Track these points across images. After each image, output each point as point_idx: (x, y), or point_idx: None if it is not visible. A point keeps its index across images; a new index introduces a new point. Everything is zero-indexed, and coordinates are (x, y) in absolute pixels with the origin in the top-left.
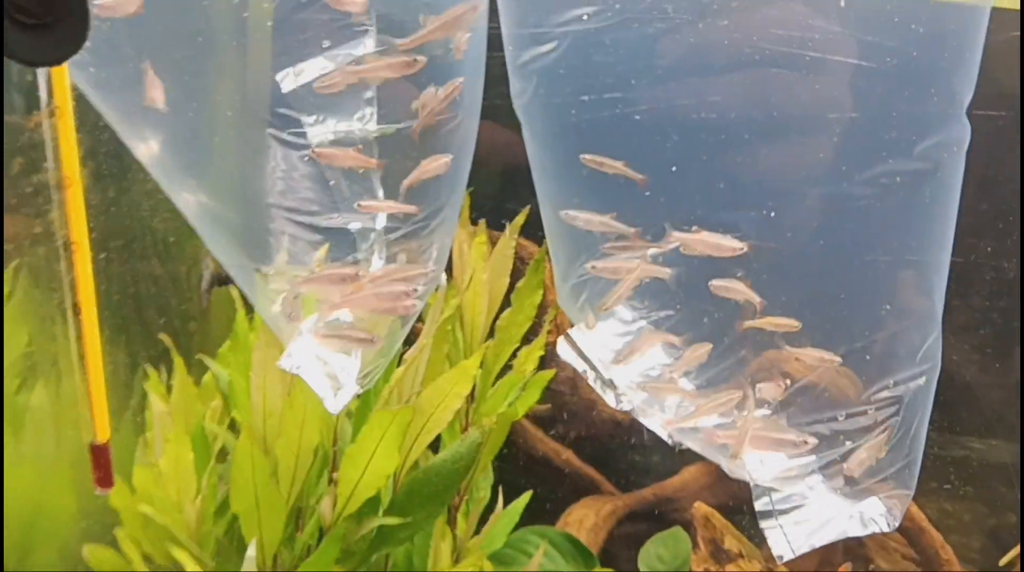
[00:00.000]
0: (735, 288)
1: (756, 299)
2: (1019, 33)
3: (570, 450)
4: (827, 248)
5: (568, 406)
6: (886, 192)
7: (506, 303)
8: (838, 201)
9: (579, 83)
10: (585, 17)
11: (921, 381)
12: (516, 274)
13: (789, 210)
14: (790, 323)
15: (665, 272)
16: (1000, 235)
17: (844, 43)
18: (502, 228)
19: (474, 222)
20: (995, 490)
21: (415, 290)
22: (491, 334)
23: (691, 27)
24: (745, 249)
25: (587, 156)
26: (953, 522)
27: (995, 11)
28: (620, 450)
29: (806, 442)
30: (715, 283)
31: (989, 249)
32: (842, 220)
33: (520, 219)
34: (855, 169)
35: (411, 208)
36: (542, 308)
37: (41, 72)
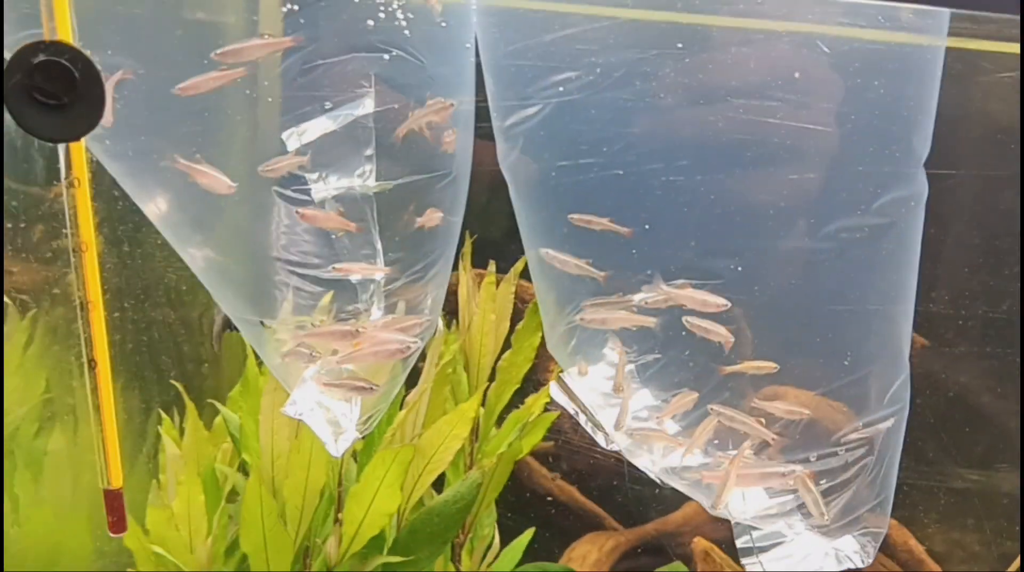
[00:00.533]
0: (708, 326)
1: (726, 335)
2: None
3: (573, 486)
4: (792, 299)
5: (571, 443)
6: (847, 246)
7: (506, 345)
8: (801, 255)
9: (559, 146)
10: (561, 89)
11: (890, 422)
12: (516, 315)
13: (755, 264)
14: (768, 366)
15: (650, 321)
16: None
17: (806, 108)
18: (506, 272)
19: (483, 266)
20: (1000, 520)
21: (411, 344)
22: (492, 376)
23: (660, 97)
24: (728, 306)
25: (575, 216)
26: (961, 552)
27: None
28: (622, 486)
29: (793, 472)
30: (689, 320)
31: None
32: (806, 272)
33: (520, 265)
34: (818, 225)
35: (382, 270)
36: (542, 349)
37: (60, 147)
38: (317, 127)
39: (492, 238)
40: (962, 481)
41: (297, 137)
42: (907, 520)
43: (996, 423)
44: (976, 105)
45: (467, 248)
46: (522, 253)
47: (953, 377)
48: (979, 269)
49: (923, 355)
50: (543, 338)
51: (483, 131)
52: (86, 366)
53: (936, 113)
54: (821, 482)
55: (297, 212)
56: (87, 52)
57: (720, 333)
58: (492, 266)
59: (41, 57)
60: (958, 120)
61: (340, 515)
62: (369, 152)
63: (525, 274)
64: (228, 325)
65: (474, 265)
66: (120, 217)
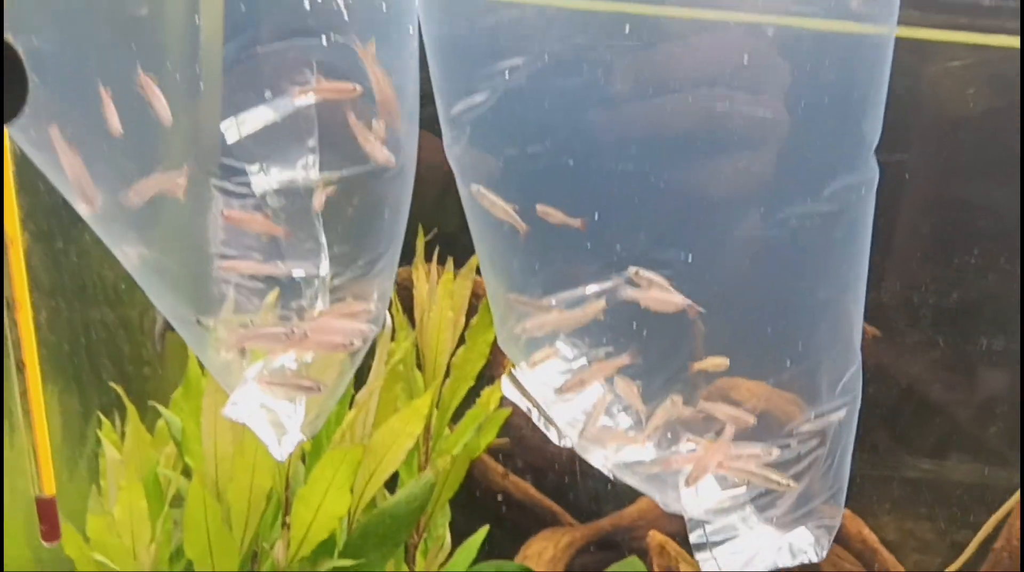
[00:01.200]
0: (659, 296)
1: (682, 302)
2: None
3: (527, 482)
4: (743, 288)
5: (526, 439)
6: (797, 234)
7: (461, 341)
8: (751, 243)
9: (506, 136)
10: (508, 76)
11: (842, 413)
12: (471, 311)
13: (705, 253)
14: (722, 362)
15: (598, 308)
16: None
17: (754, 95)
18: (461, 265)
19: (442, 261)
20: (953, 509)
21: (361, 332)
22: (447, 373)
23: (609, 86)
24: (689, 304)
25: (541, 207)
26: (914, 541)
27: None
28: (578, 481)
29: (771, 453)
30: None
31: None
32: (755, 261)
33: (475, 260)
34: (768, 213)
35: (282, 269)
36: (496, 345)
37: None
38: (257, 118)
39: (447, 231)
40: (914, 471)
41: (236, 128)
42: (860, 510)
43: (947, 413)
44: (927, 93)
45: (420, 243)
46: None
47: (904, 367)
48: (929, 259)
49: (875, 345)
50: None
51: (434, 123)
52: (14, 369)
53: (887, 101)
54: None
55: (223, 213)
56: (7, 36)
57: (674, 301)
58: (450, 263)
59: None
60: (908, 108)
61: (288, 518)
62: (312, 143)
63: (479, 269)
64: (170, 324)
65: (427, 259)
66: (50, 210)
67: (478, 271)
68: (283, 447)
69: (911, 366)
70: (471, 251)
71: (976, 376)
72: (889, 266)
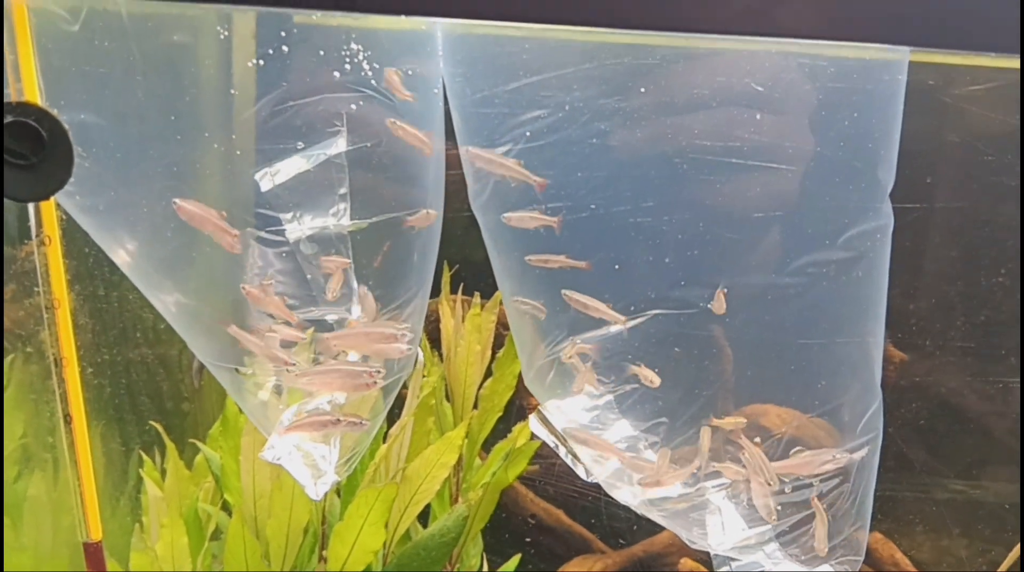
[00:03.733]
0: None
1: (614, 315)
2: None
3: (559, 510)
4: (763, 333)
5: (557, 466)
6: (816, 280)
7: (488, 373)
8: (770, 290)
9: (527, 189)
10: (528, 132)
11: (865, 451)
12: (497, 342)
13: (728, 298)
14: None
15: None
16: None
17: (771, 145)
18: (485, 296)
19: (467, 293)
20: (986, 527)
21: (404, 334)
22: (475, 405)
23: (626, 139)
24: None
25: (532, 257)
26: (950, 559)
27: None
28: (609, 508)
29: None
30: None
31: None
32: (775, 307)
33: (499, 296)
34: (786, 260)
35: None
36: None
37: (31, 205)
38: (290, 167)
39: (472, 262)
40: (947, 491)
41: (270, 178)
42: (894, 531)
43: (979, 432)
44: (951, 115)
45: (446, 278)
46: None
47: (935, 387)
48: (958, 279)
49: (904, 368)
50: None
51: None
52: (62, 421)
53: (914, 123)
54: (796, 514)
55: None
56: (54, 111)
57: (602, 310)
58: (477, 297)
59: (9, 118)
60: (934, 130)
61: (325, 552)
62: (343, 191)
63: None
64: None
65: (452, 290)
66: (94, 262)
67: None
68: (319, 488)
69: (942, 386)
70: (495, 286)
71: (1007, 394)
72: (918, 286)
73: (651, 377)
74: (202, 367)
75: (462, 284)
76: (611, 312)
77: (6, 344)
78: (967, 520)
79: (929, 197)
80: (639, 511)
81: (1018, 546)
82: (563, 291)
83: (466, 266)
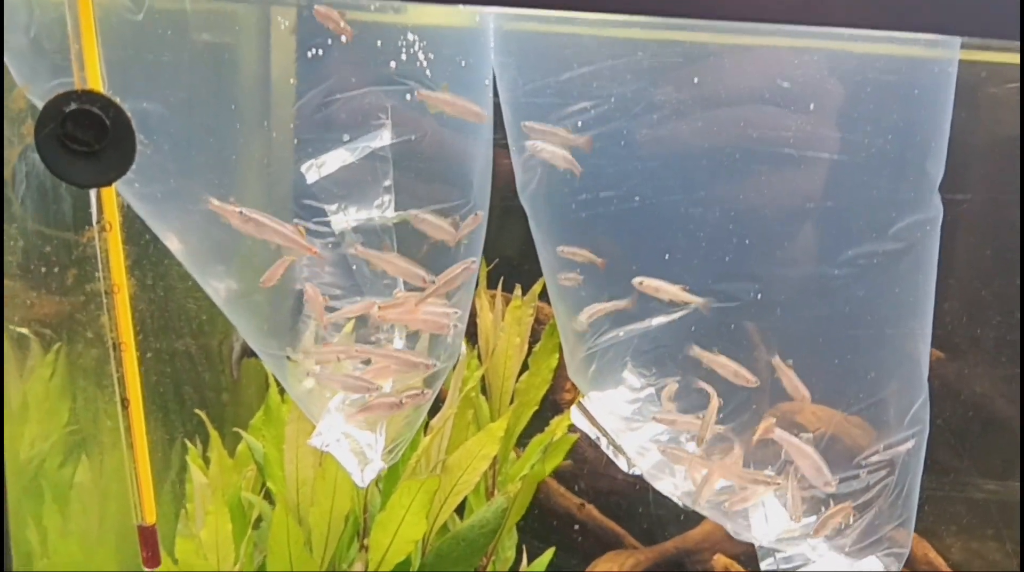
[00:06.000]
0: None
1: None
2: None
3: (592, 505)
4: (811, 324)
5: (589, 462)
6: (865, 271)
7: (524, 367)
8: (820, 281)
9: (578, 180)
10: (580, 123)
11: (911, 443)
12: (533, 336)
13: (774, 290)
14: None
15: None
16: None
17: (821, 135)
18: (521, 290)
19: (507, 288)
20: (1020, 528)
21: (454, 312)
22: (512, 398)
23: (676, 129)
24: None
25: (563, 248)
26: (981, 562)
27: None
28: (642, 503)
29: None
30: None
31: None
32: (824, 298)
33: (538, 286)
34: (835, 251)
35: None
36: (559, 370)
37: (92, 192)
38: (335, 159)
39: (509, 257)
40: (980, 491)
41: (316, 169)
42: (927, 531)
43: (1013, 432)
44: (987, 115)
45: (483, 272)
46: (539, 273)
47: (969, 387)
48: (992, 280)
49: (939, 367)
50: (560, 359)
51: (499, 143)
52: (119, 405)
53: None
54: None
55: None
56: (117, 100)
57: (673, 292)
58: (518, 290)
59: (73, 106)
60: (968, 131)
61: (366, 541)
62: (388, 183)
63: (543, 295)
64: (246, 352)
65: (489, 285)
66: (141, 251)
67: (541, 296)
68: (365, 475)
69: (976, 386)
70: (533, 277)
71: None
72: (953, 287)
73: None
74: (240, 358)
75: (500, 279)
76: (685, 294)
77: (53, 333)
78: (999, 521)
79: (963, 194)
80: (681, 502)
81: None
82: (635, 280)
83: (503, 261)
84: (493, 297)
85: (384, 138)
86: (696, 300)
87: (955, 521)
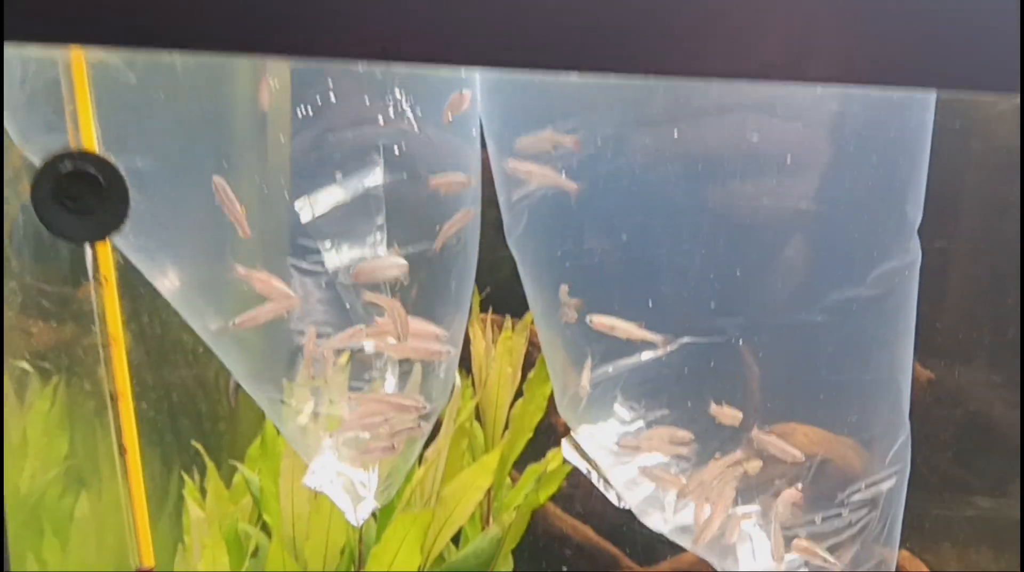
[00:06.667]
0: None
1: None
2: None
3: (587, 526)
4: (793, 367)
5: (585, 483)
6: (844, 318)
7: (518, 393)
8: (799, 326)
9: (563, 228)
10: (562, 166)
11: (892, 482)
12: (527, 361)
13: (755, 339)
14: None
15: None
16: None
17: (798, 185)
18: (512, 315)
19: (498, 312)
20: (1014, 545)
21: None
22: (506, 425)
23: (656, 175)
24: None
25: (566, 287)
26: None
27: None
28: (637, 525)
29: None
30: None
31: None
32: (804, 343)
33: (529, 317)
34: (814, 298)
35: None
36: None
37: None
38: (328, 198)
39: (501, 282)
40: (974, 508)
41: (309, 207)
42: (921, 549)
43: (1007, 449)
44: (977, 131)
45: (475, 302)
46: None
47: (962, 404)
48: (985, 296)
49: (932, 386)
50: None
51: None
52: (116, 453)
53: (940, 139)
54: (828, 541)
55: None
56: (111, 158)
57: (628, 330)
58: (509, 321)
59: (68, 167)
60: (960, 147)
61: None
62: (380, 221)
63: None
64: None
65: (483, 309)
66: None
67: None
68: (359, 513)
69: (969, 403)
70: (526, 305)
71: None
72: (946, 305)
73: (732, 415)
74: (237, 388)
75: (490, 305)
76: (640, 331)
77: (51, 367)
78: (995, 537)
79: (955, 216)
80: (671, 538)
81: None
82: (588, 316)
83: (495, 288)
84: (485, 323)
85: (377, 176)
86: (654, 337)
87: (950, 537)
